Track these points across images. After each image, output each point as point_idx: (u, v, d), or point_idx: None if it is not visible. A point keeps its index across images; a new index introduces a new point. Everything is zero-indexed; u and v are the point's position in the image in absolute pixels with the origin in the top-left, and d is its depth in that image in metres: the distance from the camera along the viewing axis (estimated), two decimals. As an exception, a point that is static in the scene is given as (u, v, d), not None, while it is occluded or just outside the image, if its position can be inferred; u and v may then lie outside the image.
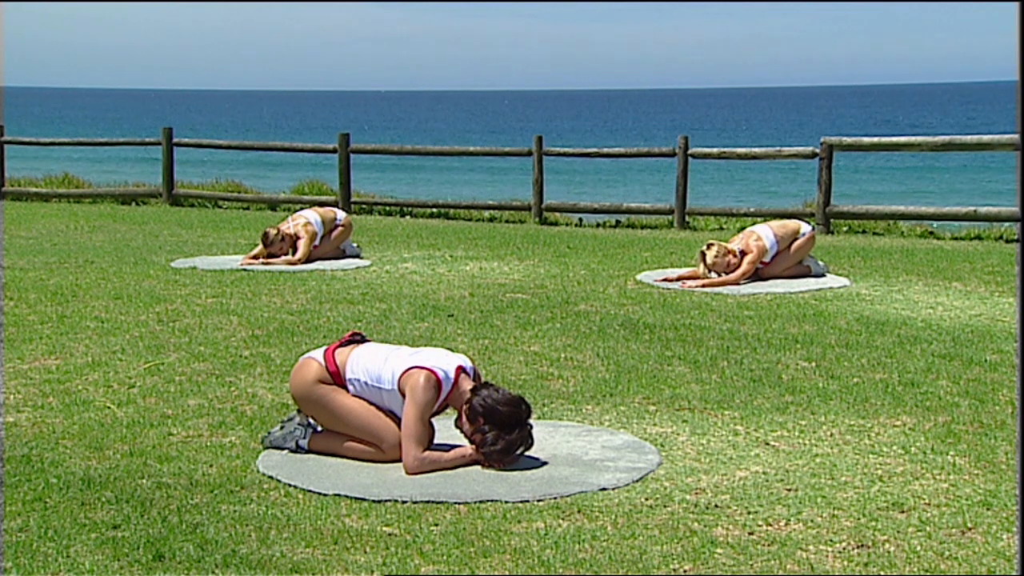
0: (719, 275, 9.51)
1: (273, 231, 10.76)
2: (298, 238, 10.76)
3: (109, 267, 10.24)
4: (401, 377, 4.91)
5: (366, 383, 4.97)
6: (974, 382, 6.25)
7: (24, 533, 4.13)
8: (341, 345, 5.13)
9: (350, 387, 5.01)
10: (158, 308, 8.28)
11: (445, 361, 4.95)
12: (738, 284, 9.44)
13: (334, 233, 11.04)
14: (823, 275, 9.88)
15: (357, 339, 5.18)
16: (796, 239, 9.84)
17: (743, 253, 9.60)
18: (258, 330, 7.56)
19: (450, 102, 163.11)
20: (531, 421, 4.89)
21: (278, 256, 10.72)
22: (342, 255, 11.10)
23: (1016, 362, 6.69)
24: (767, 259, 9.70)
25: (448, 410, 5.08)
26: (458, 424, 4.92)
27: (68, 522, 4.23)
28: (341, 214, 11.24)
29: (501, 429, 4.79)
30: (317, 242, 10.87)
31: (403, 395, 4.90)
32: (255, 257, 10.69)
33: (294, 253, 10.71)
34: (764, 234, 9.72)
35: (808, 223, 10.25)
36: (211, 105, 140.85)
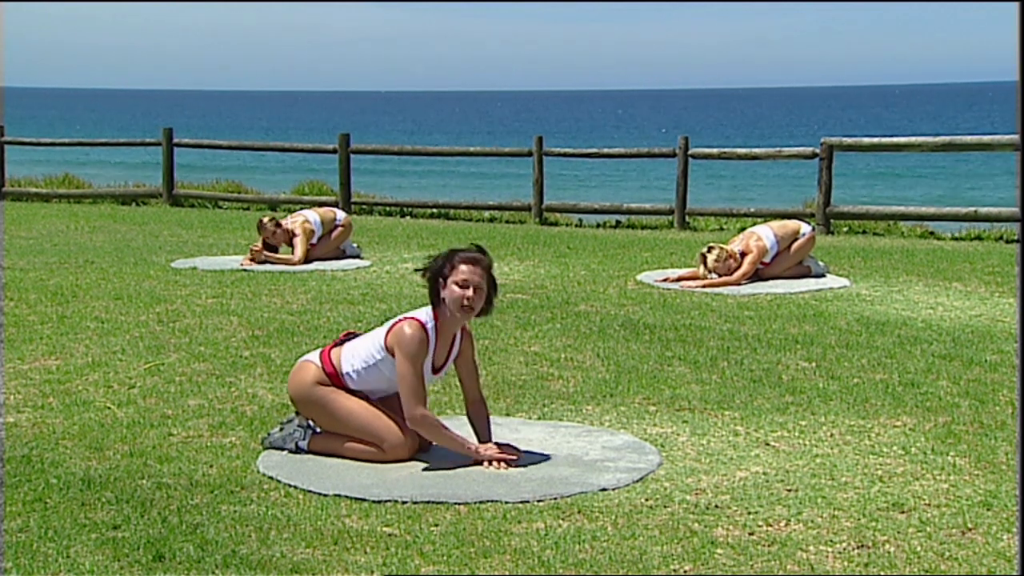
0: (719, 276, 9.51)
1: (267, 219, 10.74)
2: (295, 235, 10.75)
3: (109, 267, 10.24)
4: (386, 338, 4.89)
5: (362, 368, 4.96)
6: (974, 382, 6.24)
7: (24, 533, 4.12)
8: (336, 345, 5.13)
9: (348, 381, 5.00)
10: (158, 308, 8.27)
11: (423, 311, 4.97)
12: (739, 284, 9.44)
13: (334, 233, 11.04)
14: (823, 275, 9.88)
15: (350, 338, 5.18)
16: (796, 239, 9.84)
17: (743, 254, 9.59)
18: (258, 330, 7.56)
19: (450, 102, 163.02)
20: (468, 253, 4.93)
21: (275, 249, 10.71)
22: (342, 255, 11.10)
23: (1016, 362, 6.69)
24: (768, 259, 9.70)
25: (447, 373, 5.06)
26: (442, 311, 4.90)
27: (68, 522, 4.22)
28: (341, 214, 11.23)
29: (447, 258, 4.90)
30: (314, 240, 10.86)
31: (393, 355, 4.88)
32: (253, 258, 10.69)
33: (292, 251, 10.71)
34: (764, 234, 9.72)
35: (808, 223, 10.26)
36: (211, 106, 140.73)
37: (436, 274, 4.90)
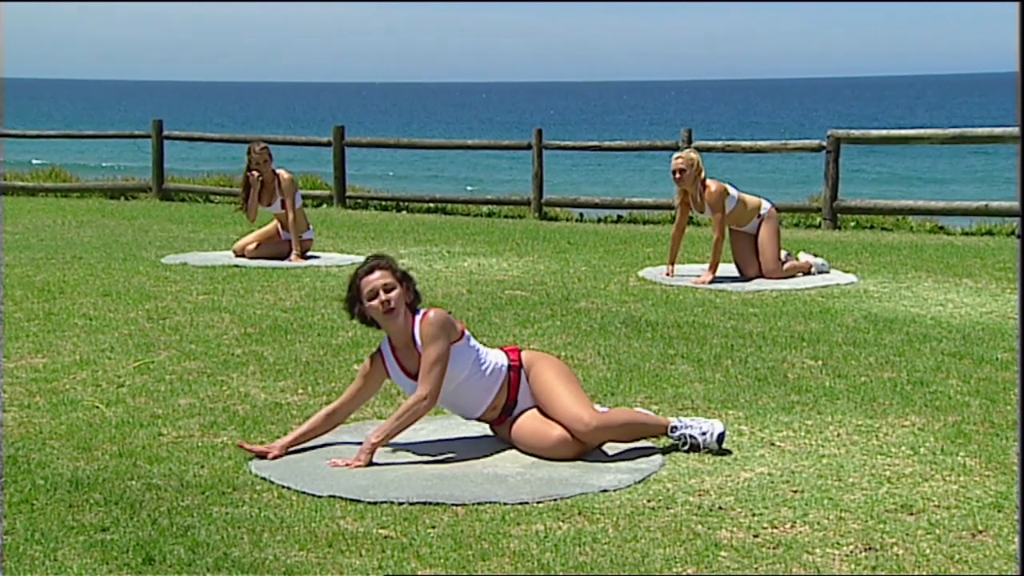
0: (696, 199, 9.32)
1: (259, 146, 10.77)
2: (280, 182, 10.66)
3: (98, 263, 10.15)
4: None
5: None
6: (985, 381, 6.15)
7: (11, 536, 4.04)
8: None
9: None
10: (148, 305, 8.18)
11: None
12: (723, 236, 9.26)
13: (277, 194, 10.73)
14: (826, 271, 9.75)
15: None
16: (760, 217, 9.54)
17: (704, 187, 9.36)
18: (250, 328, 7.46)
19: (445, 94, 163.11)
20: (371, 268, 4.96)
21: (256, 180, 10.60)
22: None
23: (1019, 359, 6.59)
24: (728, 207, 9.40)
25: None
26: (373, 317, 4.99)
27: (56, 525, 4.14)
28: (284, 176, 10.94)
29: (350, 286, 4.99)
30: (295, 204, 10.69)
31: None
32: (262, 247, 10.62)
33: (283, 208, 10.61)
34: (726, 185, 9.53)
35: (768, 201, 9.88)
36: (202, 98, 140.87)
37: (353, 306, 4.98)
